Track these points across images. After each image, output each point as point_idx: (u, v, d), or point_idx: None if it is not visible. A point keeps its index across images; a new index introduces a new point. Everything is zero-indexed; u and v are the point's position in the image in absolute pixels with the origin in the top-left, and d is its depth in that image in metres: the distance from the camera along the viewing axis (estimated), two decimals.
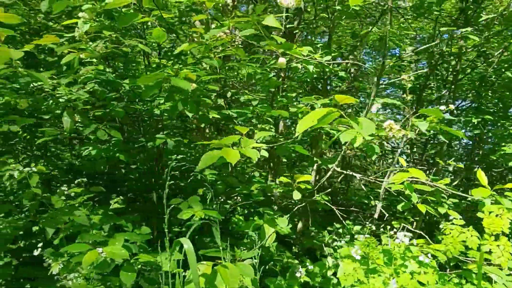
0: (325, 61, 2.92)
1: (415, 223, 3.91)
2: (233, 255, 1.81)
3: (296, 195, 1.89)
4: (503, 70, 3.51)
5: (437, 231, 3.21)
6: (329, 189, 3.11)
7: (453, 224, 1.62)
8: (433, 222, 4.60)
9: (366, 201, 4.82)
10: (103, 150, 2.36)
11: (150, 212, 3.41)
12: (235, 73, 2.73)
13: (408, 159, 5.67)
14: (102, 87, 2.33)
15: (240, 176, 3.14)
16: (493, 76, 3.49)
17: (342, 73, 3.10)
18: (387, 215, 2.77)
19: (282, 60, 2.00)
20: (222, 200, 3.59)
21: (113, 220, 2.43)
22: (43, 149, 3.30)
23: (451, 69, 3.65)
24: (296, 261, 3.26)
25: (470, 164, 4.04)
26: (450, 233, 1.55)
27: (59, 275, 2.02)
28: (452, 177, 4.31)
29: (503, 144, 2.98)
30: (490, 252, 1.43)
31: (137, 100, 2.61)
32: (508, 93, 3.46)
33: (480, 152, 4.61)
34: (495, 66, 3.62)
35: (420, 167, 4.50)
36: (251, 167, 3.71)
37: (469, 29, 2.21)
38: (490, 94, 3.55)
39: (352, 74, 4.75)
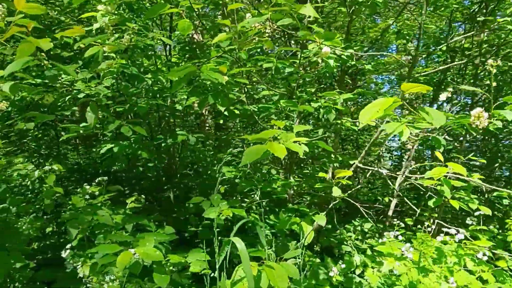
0: (350, 53, 2.85)
1: (431, 220, 3.86)
2: (278, 256, 1.73)
3: (336, 191, 1.81)
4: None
5: (463, 226, 3.16)
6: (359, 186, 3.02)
7: None
8: (449, 218, 4.56)
9: (380, 198, 4.76)
10: (126, 146, 2.27)
11: (166, 211, 3.32)
12: (259, 67, 2.64)
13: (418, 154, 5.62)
14: (125, 81, 2.23)
15: (261, 173, 3.06)
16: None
17: (368, 66, 3.02)
18: (418, 211, 2.67)
19: (326, 50, 1.92)
20: (239, 198, 3.51)
21: (136, 219, 2.34)
22: (56, 148, 3.19)
23: (470, 63, 3.59)
24: (318, 260, 3.19)
25: (490, 162, 3.99)
26: None
27: (85, 277, 1.93)
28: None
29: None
30: None
31: (157, 95, 2.52)
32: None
33: (493, 148, 4.56)
34: None
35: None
36: (269, 164, 3.63)
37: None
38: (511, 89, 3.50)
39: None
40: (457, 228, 1.95)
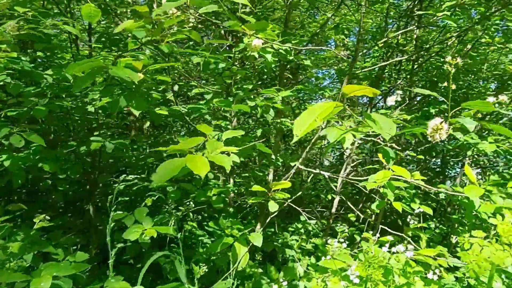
0: (289, 47, 2.64)
1: (373, 216, 3.83)
2: None
3: (273, 207, 1.58)
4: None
5: (401, 223, 3.14)
6: (299, 194, 2.83)
7: (472, 237, 1.43)
8: (390, 216, 4.61)
9: (323, 196, 4.68)
10: (21, 159, 1.85)
11: (86, 227, 2.89)
12: (186, 61, 2.34)
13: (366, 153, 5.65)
14: (15, 79, 1.81)
15: (194, 179, 2.75)
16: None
17: (307, 62, 2.83)
18: (357, 212, 2.56)
19: (257, 42, 1.66)
20: (173, 207, 3.18)
21: (39, 246, 1.93)
22: None
23: (406, 59, 3.57)
24: (260, 270, 2.98)
25: (424, 155, 4.05)
26: (470, 247, 1.36)
27: None
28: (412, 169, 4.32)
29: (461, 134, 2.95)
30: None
31: (64, 95, 2.11)
32: (461, 82, 3.49)
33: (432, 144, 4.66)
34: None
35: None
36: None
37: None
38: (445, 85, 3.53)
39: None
40: (406, 240, 1.82)
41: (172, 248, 3.21)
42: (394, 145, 1.62)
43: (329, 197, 4.47)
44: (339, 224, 4.13)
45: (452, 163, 5.02)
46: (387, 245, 1.74)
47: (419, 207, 2.45)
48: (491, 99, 1.32)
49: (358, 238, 3.64)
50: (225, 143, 1.43)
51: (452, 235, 3.66)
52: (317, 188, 5.31)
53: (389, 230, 2.23)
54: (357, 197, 5.00)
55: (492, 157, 4.02)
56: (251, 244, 1.87)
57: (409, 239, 1.98)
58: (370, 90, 0.92)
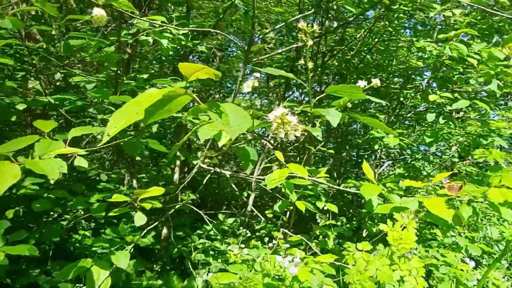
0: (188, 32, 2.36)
1: (288, 214, 3.73)
2: None
3: (140, 220, 1.28)
4: (364, 54, 3.50)
5: (313, 224, 3.05)
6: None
7: (358, 250, 1.26)
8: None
9: (238, 193, 4.47)
10: None
11: None
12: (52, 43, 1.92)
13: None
14: None
15: (76, 184, 2.34)
16: (356, 59, 3.46)
17: (202, 48, 2.55)
18: (263, 219, 2.37)
19: (98, 12, 1.31)
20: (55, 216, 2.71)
21: None
22: None
23: (316, 52, 3.48)
24: (160, 282, 2.67)
25: (339, 148, 4.04)
26: (355, 264, 1.19)
27: None
28: (321, 164, 4.29)
29: (371, 127, 2.93)
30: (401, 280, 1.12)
31: None
32: (369, 76, 3.50)
33: (349, 137, 4.71)
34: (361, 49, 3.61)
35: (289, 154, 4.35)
36: (96, 168, 2.91)
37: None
38: (354, 77, 3.52)
39: (216, 55, 4.30)
40: (291, 257, 1.64)
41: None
42: (271, 141, 1.43)
43: (245, 194, 4.28)
44: (255, 222, 3.97)
45: (366, 156, 5.15)
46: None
47: (324, 205, 2.34)
48: (361, 83, 1.16)
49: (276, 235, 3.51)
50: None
51: (363, 229, 3.70)
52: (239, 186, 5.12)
53: (290, 234, 2.07)
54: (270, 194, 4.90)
55: (398, 150, 4.14)
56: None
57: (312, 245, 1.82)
58: (210, 71, 0.68)
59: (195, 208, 2.48)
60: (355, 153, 5.30)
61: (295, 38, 3.80)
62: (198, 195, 3.11)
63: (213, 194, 5.01)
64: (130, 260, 2.04)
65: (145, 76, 2.60)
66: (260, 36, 3.29)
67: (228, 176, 2.32)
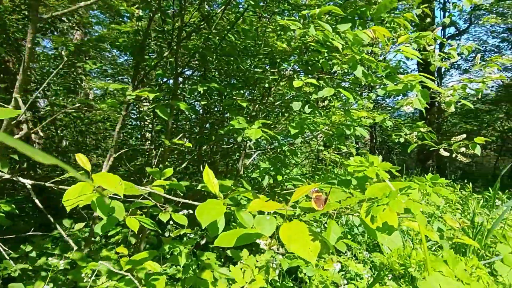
0: None
1: None
2: None
3: None
4: (226, 32, 3.06)
5: None
6: None
7: None
8: None
9: None
10: None
11: None
12: None
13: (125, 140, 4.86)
14: None
15: None
16: (218, 38, 2.99)
17: None
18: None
19: None
20: None
21: None
22: None
23: (172, 29, 2.90)
24: None
25: (201, 141, 3.56)
26: None
27: None
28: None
29: (233, 117, 2.52)
30: None
31: None
32: (232, 58, 3.09)
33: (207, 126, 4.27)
34: (218, 29, 3.16)
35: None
36: None
37: None
38: (215, 60, 3.06)
39: None
40: None
41: None
42: None
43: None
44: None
45: (236, 147, 4.83)
46: None
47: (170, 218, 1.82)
48: None
49: None
50: None
51: None
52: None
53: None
54: None
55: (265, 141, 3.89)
56: None
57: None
58: None
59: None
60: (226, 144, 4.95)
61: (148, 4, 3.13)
62: None
63: None
64: None
65: None
66: None
67: (29, 186, 1.61)
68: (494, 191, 3.31)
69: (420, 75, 2.17)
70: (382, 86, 2.17)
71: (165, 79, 3.65)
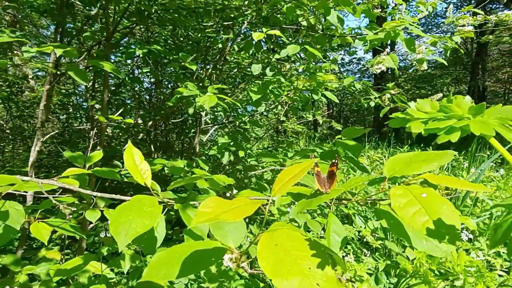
0: None
1: None
2: None
3: None
4: None
5: None
6: None
7: None
8: None
9: None
10: None
11: None
12: None
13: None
14: None
15: None
16: None
17: None
18: None
19: None
20: None
21: None
22: None
23: None
24: None
25: (147, 117, 3.05)
26: None
27: None
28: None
29: (180, 84, 2.07)
30: None
31: None
32: (177, 15, 2.57)
33: (161, 98, 3.76)
34: None
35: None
36: None
37: None
38: (156, 15, 2.53)
39: None
40: None
41: None
42: None
43: None
44: None
45: (191, 121, 4.36)
46: None
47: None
48: None
49: None
50: None
51: None
52: None
53: None
54: None
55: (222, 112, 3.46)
56: None
57: None
58: None
59: None
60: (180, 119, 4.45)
61: None
62: None
63: None
64: None
65: None
66: None
67: None
68: (470, 153, 3.13)
69: (402, 21, 1.83)
70: (359, 37, 1.80)
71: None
